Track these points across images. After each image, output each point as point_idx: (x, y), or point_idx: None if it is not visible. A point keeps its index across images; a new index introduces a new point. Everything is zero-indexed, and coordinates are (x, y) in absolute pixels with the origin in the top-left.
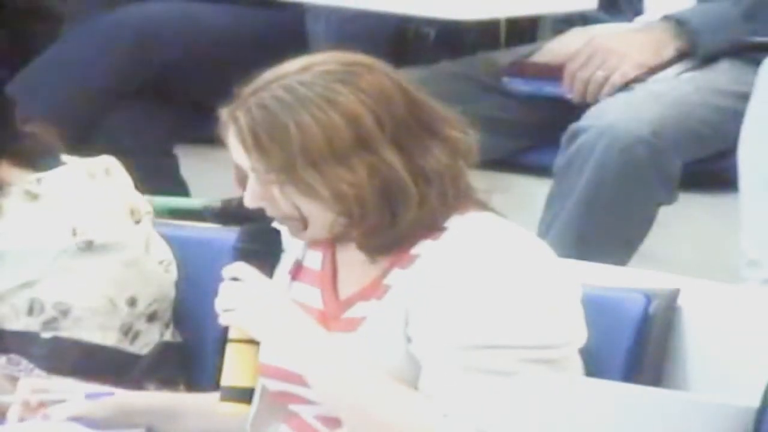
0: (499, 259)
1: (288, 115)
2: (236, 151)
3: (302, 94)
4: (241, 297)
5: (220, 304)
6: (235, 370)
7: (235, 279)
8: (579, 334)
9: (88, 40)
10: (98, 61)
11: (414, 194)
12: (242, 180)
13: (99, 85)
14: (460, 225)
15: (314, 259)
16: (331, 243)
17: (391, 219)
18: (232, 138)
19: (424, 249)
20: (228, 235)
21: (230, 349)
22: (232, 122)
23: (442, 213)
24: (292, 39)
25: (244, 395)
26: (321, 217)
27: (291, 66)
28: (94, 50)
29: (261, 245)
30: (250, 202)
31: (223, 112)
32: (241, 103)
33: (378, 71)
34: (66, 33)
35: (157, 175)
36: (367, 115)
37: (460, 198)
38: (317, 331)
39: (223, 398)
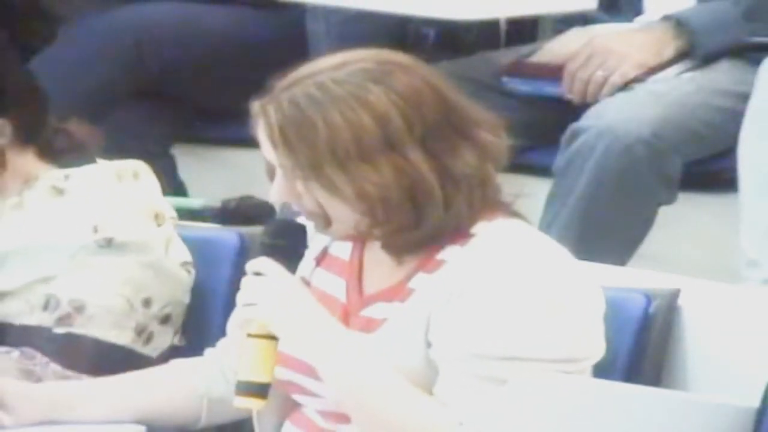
0: (525, 271)
1: (317, 112)
2: (264, 145)
3: (334, 92)
4: (263, 292)
5: (241, 298)
6: (252, 365)
7: (258, 274)
8: (598, 351)
9: (86, 40)
10: (96, 62)
11: (439, 197)
12: (272, 173)
13: (97, 85)
14: (487, 232)
15: (342, 249)
16: (361, 239)
17: (416, 221)
18: (261, 132)
19: (450, 255)
20: (228, 235)
21: (249, 344)
22: (263, 116)
23: (468, 216)
24: (292, 40)
25: (260, 390)
26: (344, 215)
27: (327, 62)
28: (92, 51)
29: (285, 241)
30: (275, 196)
31: (255, 105)
32: (273, 97)
33: (414, 72)
34: (64, 33)
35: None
36: (397, 116)
37: (487, 202)
38: (335, 327)
39: (239, 392)
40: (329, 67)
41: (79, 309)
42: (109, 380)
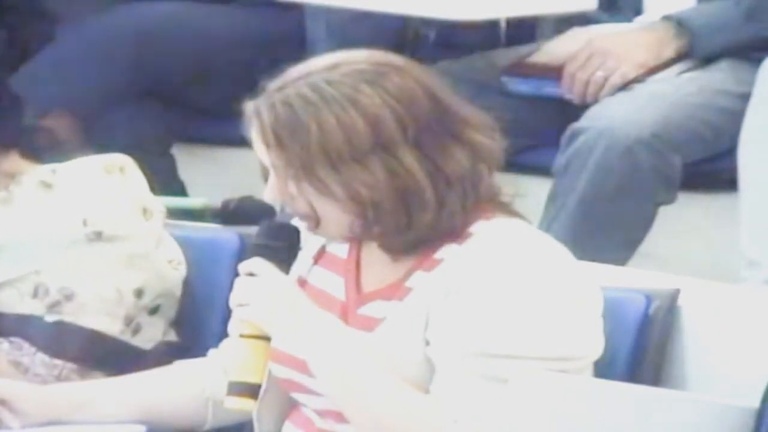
0: (522, 268)
1: (310, 114)
2: (258, 145)
3: (327, 93)
4: (256, 292)
5: (234, 298)
6: (245, 365)
7: (251, 274)
8: (596, 349)
9: (85, 40)
10: (96, 62)
11: (431, 197)
12: (266, 175)
13: (96, 85)
14: (485, 231)
15: (340, 247)
16: (356, 239)
17: (408, 222)
18: (254, 133)
19: (448, 253)
20: (228, 235)
21: (242, 345)
22: (255, 117)
23: (462, 217)
24: (292, 40)
25: (252, 391)
26: (336, 217)
27: (320, 63)
28: (92, 51)
29: (279, 242)
30: (269, 197)
31: (248, 106)
32: (266, 98)
33: (407, 73)
34: (64, 33)
35: (154, 175)
36: (390, 117)
37: (481, 202)
38: (327, 322)
39: (231, 393)
40: (322, 68)
41: (69, 297)
42: (115, 381)
